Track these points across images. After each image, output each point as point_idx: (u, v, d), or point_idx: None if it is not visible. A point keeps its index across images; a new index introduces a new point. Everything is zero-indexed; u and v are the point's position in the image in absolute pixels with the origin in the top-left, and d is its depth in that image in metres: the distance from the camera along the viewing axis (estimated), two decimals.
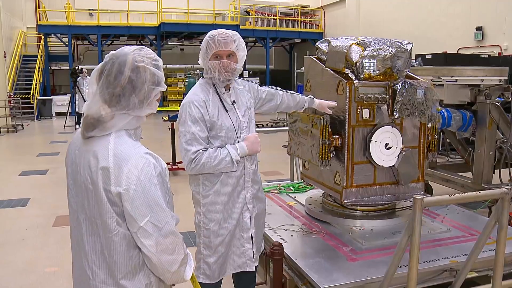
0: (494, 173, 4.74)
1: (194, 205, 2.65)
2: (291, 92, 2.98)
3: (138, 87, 1.46)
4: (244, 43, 2.54)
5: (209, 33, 2.47)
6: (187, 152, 2.41)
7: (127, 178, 1.39)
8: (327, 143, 3.05)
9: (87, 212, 1.49)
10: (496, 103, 4.44)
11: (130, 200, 1.39)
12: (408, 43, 3.18)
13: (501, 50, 11.31)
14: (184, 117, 2.44)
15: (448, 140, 5.65)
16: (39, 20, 18.53)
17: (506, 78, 4.51)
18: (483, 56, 9.47)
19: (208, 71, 2.48)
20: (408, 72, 3.30)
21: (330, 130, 3.06)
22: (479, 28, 11.87)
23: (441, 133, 5.46)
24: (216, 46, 2.41)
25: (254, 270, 2.70)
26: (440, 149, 6.40)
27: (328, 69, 3.22)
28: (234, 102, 2.55)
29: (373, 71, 3.05)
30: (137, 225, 1.41)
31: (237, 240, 2.60)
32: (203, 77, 2.59)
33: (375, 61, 3.04)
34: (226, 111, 2.50)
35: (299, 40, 21.19)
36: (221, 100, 2.51)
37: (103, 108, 1.45)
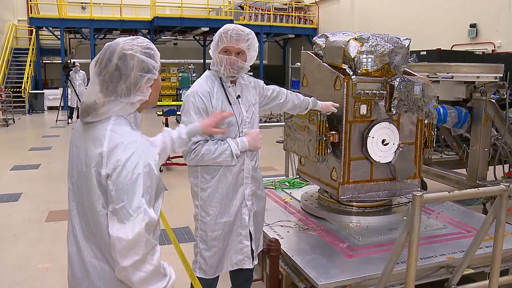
0: (488, 170, 4.75)
1: (192, 197, 2.64)
2: (295, 92, 2.94)
3: (125, 73, 1.51)
4: (257, 44, 2.53)
5: (224, 26, 2.46)
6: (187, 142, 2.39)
7: (116, 162, 1.45)
8: (324, 139, 3.04)
9: (80, 193, 1.57)
10: (492, 100, 4.45)
11: (112, 182, 1.45)
12: (406, 39, 3.16)
13: (494, 47, 11.35)
14: (187, 107, 2.44)
15: (443, 137, 5.65)
16: (31, 13, 18.27)
17: (501, 75, 4.52)
18: (477, 53, 9.49)
19: (215, 63, 2.47)
20: (405, 68, 3.29)
21: (327, 125, 3.05)
22: (473, 25, 11.89)
23: (436, 130, 5.47)
24: (227, 40, 2.40)
25: (252, 267, 2.68)
26: (434, 145, 6.41)
27: (325, 64, 3.20)
28: (239, 96, 2.54)
29: (371, 66, 3.04)
30: (111, 206, 1.45)
31: (235, 237, 2.58)
32: (209, 69, 2.58)
33: (373, 56, 3.02)
34: (230, 104, 2.49)
35: (293, 36, 21.14)
36: (226, 93, 2.50)
37: (97, 95, 1.52)
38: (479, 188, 2.22)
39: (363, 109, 3.05)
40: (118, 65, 1.50)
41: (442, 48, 10.07)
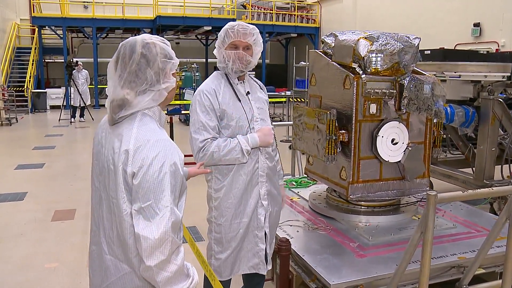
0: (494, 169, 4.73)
1: (207, 199, 2.62)
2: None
3: (151, 60, 1.54)
4: (261, 39, 2.52)
5: (228, 23, 2.45)
6: (195, 140, 2.38)
7: (142, 160, 1.45)
8: (334, 138, 3.02)
9: (107, 191, 1.56)
10: (500, 99, 4.43)
11: (139, 180, 1.44)
12: (415, 38, 3.15)
13: (498, 46, 11.34)
14: (194, 106, 2.44)
15: (449, 136, 5.63)
16: (33, 12, 18.29)
17: (509, 74, 4.50)
18: (481, 52, 9.46)
19: (222, 60, 2.45)
20: (414, 67, 3.27)
21: (336, 125, 3.03)
22: (476, 24, 11.88)
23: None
24: (234, 35, 2.39)
25: (265, 273, 2.66)
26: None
27: (335, 63, 3.18)
28: (248, 92, 2.53)
29: (381, 65, 3.01)
30: (137, 205, 1.44)
31: (252, 238, 2.54)
32: (216, 68, 2.56)
33: (382, 55, 3.00)
34: (239, 101, 2.47)
35: (295, 35, 21.13)
36: (234, 90, 2.48)
37: (127, 92, 1.53)
38: (493, 188, 2.20)
39: (373, 108, 3.03)
40: (143, 52, 1.53)
41: (445, 48, 10.05)
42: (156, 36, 1.63)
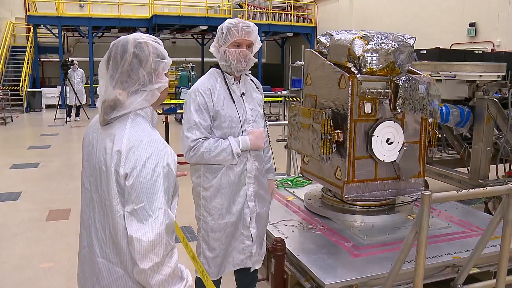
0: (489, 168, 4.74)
1: (194, 197, 2.61)
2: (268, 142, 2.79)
3: (144, 60, 1.51)
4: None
5: (229, 21, 2.43)
6: (187, 139, 2.39)
7: (135, 161, 1.42)
8: (329, 137, 3.03)
9: (99, 192, 1.53)
10: (494, 99, 4.44)
11: (132, 182, 1.41)
12: (411, 38, 3.16)
13: (493, 46, 11.37)
14: (188, 104, 2.43)
15: (444, 135, 5.64)
16: (28, 10, 18.19)
17: (504, 74, 4.51)
18: (477, 52, 9.50)
19: (225, 58, 2.42)
20: (409, 67, 3.28)
21: (332, 124, 3.03)
22: (472, 24, 11.90)
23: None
24: (239, 34, 2.37)
25: (251, 266, 2.66)
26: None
27: (330, 63, 3.19)
28: (243, 94, 2.51)
29: (376, 65, 3.02)
30: (130, 207, 1.42)
31: (238, 237, 2.56)
32: (211, 67, 2.55)
33: (378, 55, 3.01)
34: (233, 102, 2.45)
35: (292, 34, 21.13)
36: (229, 90, 2.46)
37: (119, 93, 1.49)
38: (487, 188, 2.21)
39: (368, 108, 3.04)
40: (135, 52, 1.50)
41: (441, 47, 10.08)
42: (149, 35, 1.59)
